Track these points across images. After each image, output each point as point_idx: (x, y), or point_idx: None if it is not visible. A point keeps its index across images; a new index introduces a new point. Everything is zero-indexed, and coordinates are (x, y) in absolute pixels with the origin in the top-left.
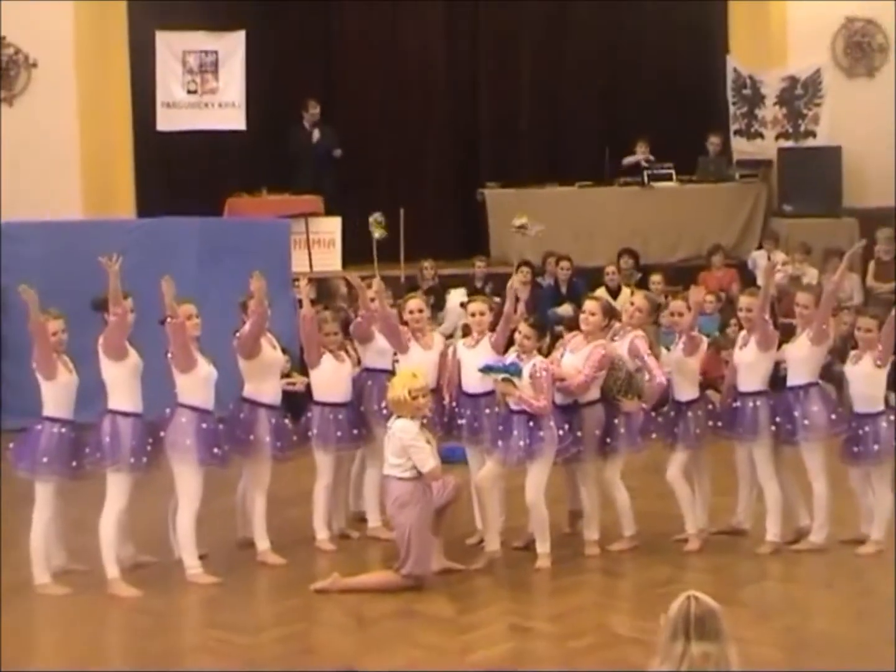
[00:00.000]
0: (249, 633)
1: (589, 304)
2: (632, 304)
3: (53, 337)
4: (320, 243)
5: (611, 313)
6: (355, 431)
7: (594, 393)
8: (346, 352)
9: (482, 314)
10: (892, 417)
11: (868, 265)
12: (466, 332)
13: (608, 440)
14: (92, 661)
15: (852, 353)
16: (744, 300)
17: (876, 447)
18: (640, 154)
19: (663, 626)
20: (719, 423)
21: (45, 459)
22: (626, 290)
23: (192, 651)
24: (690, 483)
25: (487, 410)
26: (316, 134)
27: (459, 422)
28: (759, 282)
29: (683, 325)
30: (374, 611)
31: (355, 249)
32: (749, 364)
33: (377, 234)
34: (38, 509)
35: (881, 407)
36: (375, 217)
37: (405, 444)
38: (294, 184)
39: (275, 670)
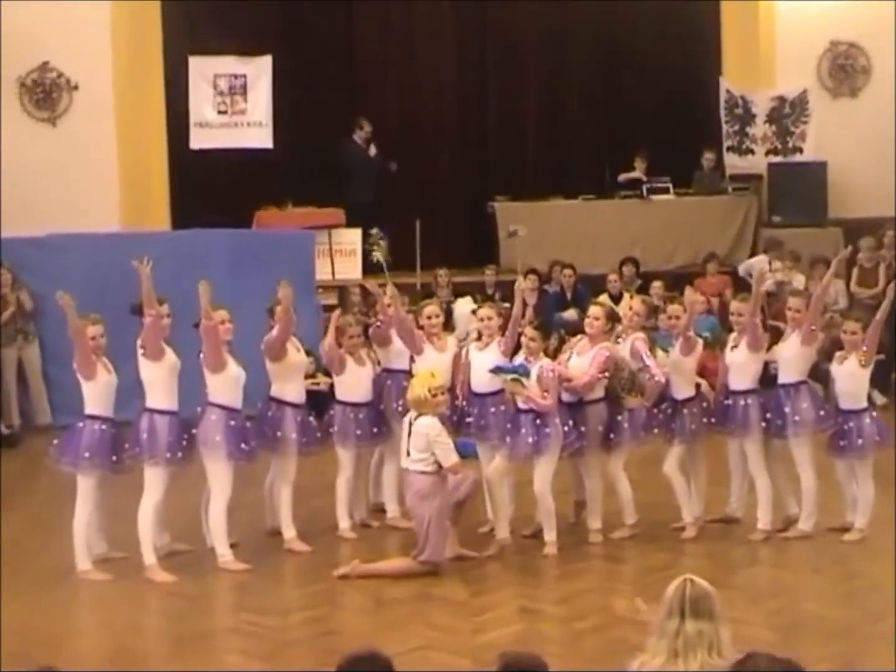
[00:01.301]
0: (277, 616)
1: (593, 310)
2: (630, 308)
3: (92, 341)
4: (342, 253)
5: (613, 318)
6: (374, 430)
7: (598, 391)
8: (368, 353)
9: (490, 318)
10: (874, 414)
11: (852, 272)
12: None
13: (612, 435)
14: (130, 641)
15: (838, 353)
16: (735, 305)
17: (860, 441)
18: (638, 170)
19: (660, 607)
20: (713, 420)
21: (86, 454)
22: (626, 296)
23: (224, 632)
24: (686, 475)
25: (493, 409)
26: (372, 149)
27: (468, 419)
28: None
29: (680, 327)
30: (392, 594)
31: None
32: (740, 364)
33: (379, 255)
34: (81, 501)
35: (864, 404)
36: (375, 236)
37: (431, 439)
38: (351, 197)
39: (300, 651)
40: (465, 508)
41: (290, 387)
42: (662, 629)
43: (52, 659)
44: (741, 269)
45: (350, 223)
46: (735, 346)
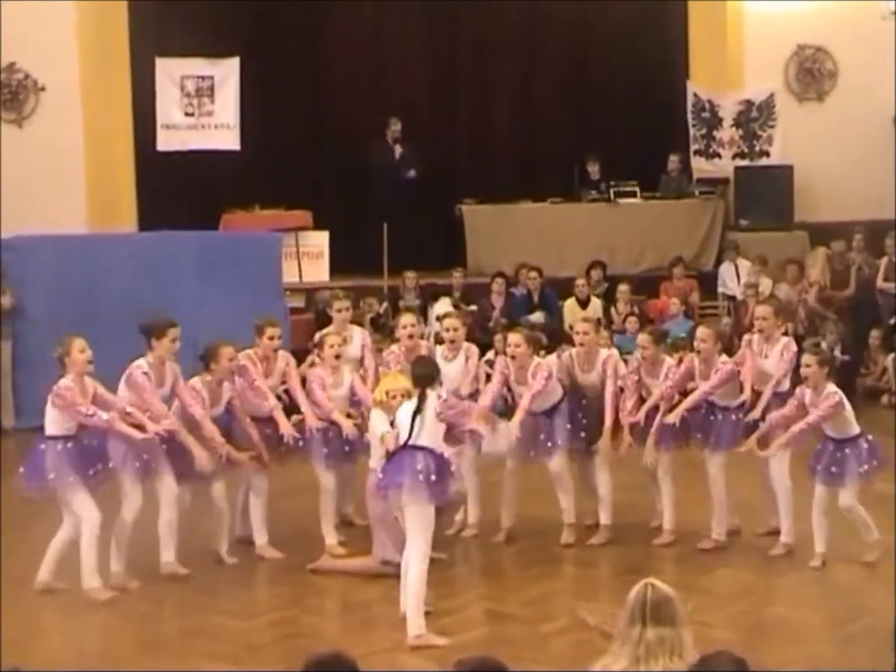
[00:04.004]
0: (243, 619)
1: (513, 338)
2: (579, 333)
3: (81, 354)
4: (309, 255)
5: (535, 342)
6: (346, 448)
7: (557, 395)
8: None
9: (455, 329)
10: (869, 437)
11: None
12: (440, 340)
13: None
14: (99, 644)
15: None
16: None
17: (865, 468)
18: (591, 173)
19: (622, 612)
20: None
21: (51, 476)
22: (595, 300)
23: (190, 635)
24: (655, 483)
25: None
26: (398, 149)
27: None
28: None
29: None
30: (358, 597)
31: (342, 261)
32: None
33: None
34: (86, 519)
35: (857, 429)
36: None
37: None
38: (375, 196)
39: (267, 653)
40: (447, 515)
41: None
42: (625, 635)
43: (19, 661)
44: (720, 280)
45: (376, 222)
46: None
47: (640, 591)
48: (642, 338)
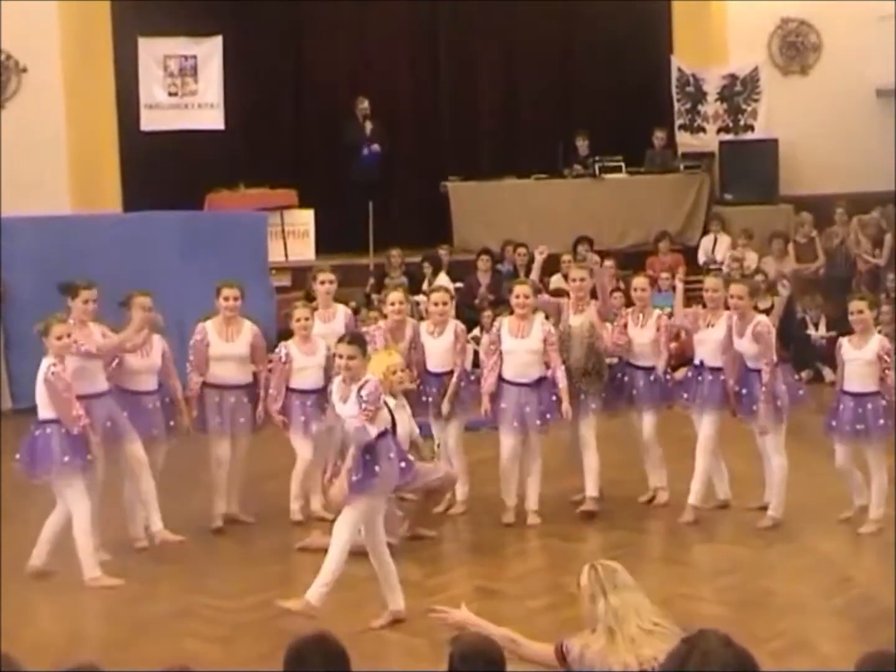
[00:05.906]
0: (232, 599)
1: (521, 289)
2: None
3: (58, 342)
4: (295, 234)
5: (538, 292)
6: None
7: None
8: None
9: (444, 304)
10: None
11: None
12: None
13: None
14: (86, 624)
15: (851, 337)
16: (710, 281)
17: (881, 422)
18: (580, 149)
19: (581, 599)
20: (685, 395)
21: (65, 459)
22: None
23: (179, 616)
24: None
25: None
26: (368, 126)
27: (423, 399)
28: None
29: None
30: (347, 575)
31: (328, 239)
32: (715, 341)
33: None
34: (75, 507)
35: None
36: None
37: None
38: (352, 175)
39: (255, 633)
40: (435, 499)
41: (217, 370)
42: (592, 616)
43: (10, 645)
44: (701, 252)
45: (361, 200)
46: (709, 325)
47: (588, 573)
48: (738, 288)
